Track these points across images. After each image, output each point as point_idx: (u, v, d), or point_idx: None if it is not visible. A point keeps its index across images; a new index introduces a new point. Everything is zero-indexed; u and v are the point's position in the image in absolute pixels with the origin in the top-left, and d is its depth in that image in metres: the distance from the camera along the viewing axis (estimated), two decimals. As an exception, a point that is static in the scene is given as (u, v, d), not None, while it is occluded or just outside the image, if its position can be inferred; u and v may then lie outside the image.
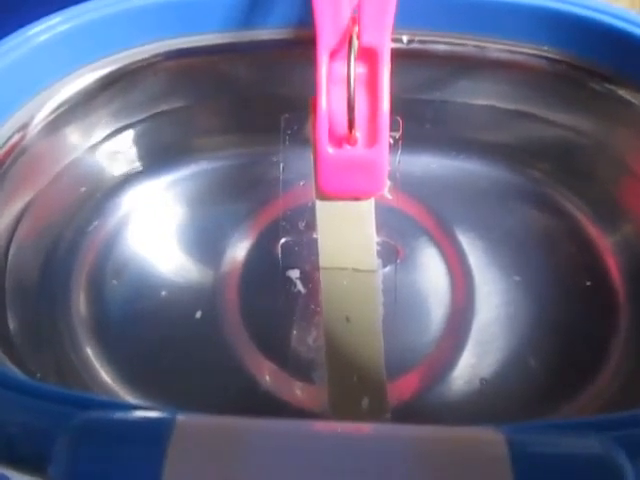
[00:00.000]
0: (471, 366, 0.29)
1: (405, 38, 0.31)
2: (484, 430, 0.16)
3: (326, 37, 0.26)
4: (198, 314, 0.31)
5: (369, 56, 0.26)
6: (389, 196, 0.31)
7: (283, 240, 0.33)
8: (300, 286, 0.31)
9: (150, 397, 0.29)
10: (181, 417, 0.16)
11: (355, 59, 0.25)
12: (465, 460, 0.15)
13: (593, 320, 0.30)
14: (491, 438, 0.16)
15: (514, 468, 0.15)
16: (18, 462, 0.18)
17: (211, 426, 0.17)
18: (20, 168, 0.29)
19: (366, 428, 0.17)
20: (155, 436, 0.16)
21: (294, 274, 0.32)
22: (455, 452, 0.16)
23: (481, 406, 0.28)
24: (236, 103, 0.34)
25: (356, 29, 0.26)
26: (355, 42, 0.25)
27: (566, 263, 0.32)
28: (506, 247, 0.33)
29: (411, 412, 0.28)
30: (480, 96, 0.33)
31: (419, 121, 0.33)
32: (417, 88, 0.33)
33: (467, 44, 0.31)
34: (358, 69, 0.26)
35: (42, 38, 0.28)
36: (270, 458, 0.16)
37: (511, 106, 0.33)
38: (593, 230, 0.33)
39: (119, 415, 0.17)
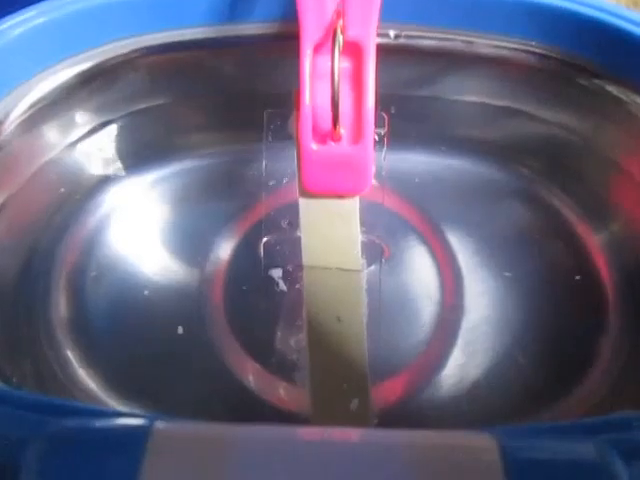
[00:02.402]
0: (460, 366, 0.29)
1: (392, 33, 0.30)
2: (476, 435, 0.16)
3: (310, 30, 0.25)
4: (181, 314, 0.30)
5: (354, 51, 0.26)
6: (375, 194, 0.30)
7: (265, 239, 0.32)
8: (282, 285, 0.31)
9: (132, 399, 0.28)
10: (158, 424, 0.16)
11: (340, 53, 0.25)
12: (457, 467, 0.15)
13: (583, 319, 0.30)
14: (483, 444, 0.15)
15: (507, 475, 0.14)
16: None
17: (190, 434, 0.16)
18: (-5, 166, 0.28)
19: (354, 434, 0.16)
20: (130, 446, 0.15)
21: (277, 273, 0.31)
22: (446, 458, 0.15)
23: (470, 407, 0.28)
24: (219, 99, 0.33)
25: (340, 23, 0.25)
26: (340, 36, 0.25)
27: (555, 261, 0.32)
28: (495, 245, 0.32)
29: (398, 415, 0.28)
30: (468, 92, 0.33)
31: (407, 118, 0.33)
32: (405, 84, 0.33)
33: (455, 39, 0.30)
34: (343, 64, 0.26)
35: (17, 32, 0.27)
36: (253, 467, 0.15)
37: (500, 103, 0.33)
38: (582, 228, 0.32)
39: (94, 423, 0.16)
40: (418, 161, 0.35)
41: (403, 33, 0.30)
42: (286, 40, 0.29)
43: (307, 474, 0.15)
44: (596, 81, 0.30)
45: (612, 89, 0.29)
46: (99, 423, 0.16)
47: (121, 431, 0.16)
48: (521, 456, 0.15)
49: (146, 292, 0.31)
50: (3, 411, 0.17)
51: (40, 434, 0.16)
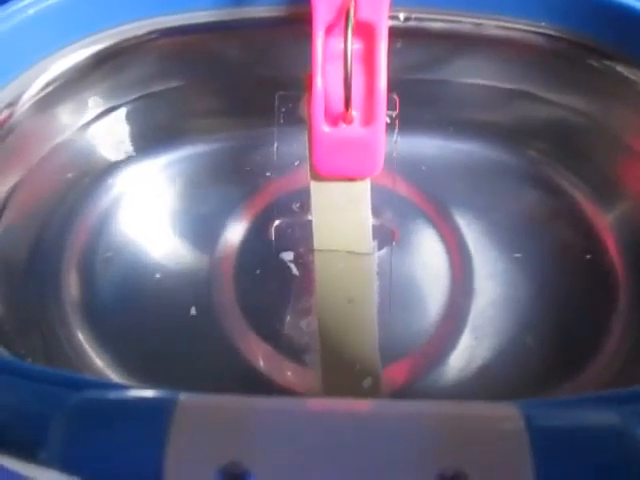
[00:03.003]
0: (469, 348, 0.29)
1: (402, 16, 0.30)
2: (499, 405, 0.16)
3: (322, 12, 0.25)
4: (192, 297, 0.30)
5: (366, 32, 0.26)
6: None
7: (277, 222, 0.32)
8: (294, 268, 0.31)
9: (141, 380, 0.28)
10: (183, 396, 0.16)
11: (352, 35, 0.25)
12: (482, 435, 0.15)
13: (592, 298, 0.30)
14: (507, 413, 0.15)
15: (532, 442, 0.14)
16: (8, 446, 0.17)
17: (213, 405, 0.16)
18: (8, 147, 0.28)
19: (379, 405, 0.16)
20: (156, 416, 0.15)
21: (288, 256, 0.31)
22: (472, 427, 0.15)
23: (480, 389, 0.28)
24: (230, 83, 0.34)
25: (352, 4, 0.25)
26: (352, 17, 0.25)
27: (564, 242, 0.32)
28: (504, 228, 0.32)
29: (408, 396, 0.28)
30: (477, 75, 0.33)
31: (415, 101, 0.32)
32: (413, 67, 0.33)
33: (464, 21, 0.30)
34: (354, 45, 0.25)
35: (32, 11, 0.27)
36: (277, 436, 0.15)
37: (508, 85, 0.33)
38: (591, 208, 0.33)
39: (117, 395, 0.17)
40: (427, 145, 0.35)
41: (413, 15, 0.30)
42: (297, 23, 0.29)
43: (332, 442, 0.15)
44: (607, 62, 0.30)
45: (623, 70, 0.29)
46: (122, 396, 0.16)
47: (146, 403, 0.16)
48: (546, 424, 0.15)
49: (157, 275, 0.31)
50: (25, 385, 0.17)
51: (63, 407, 0.16)
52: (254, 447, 0.15)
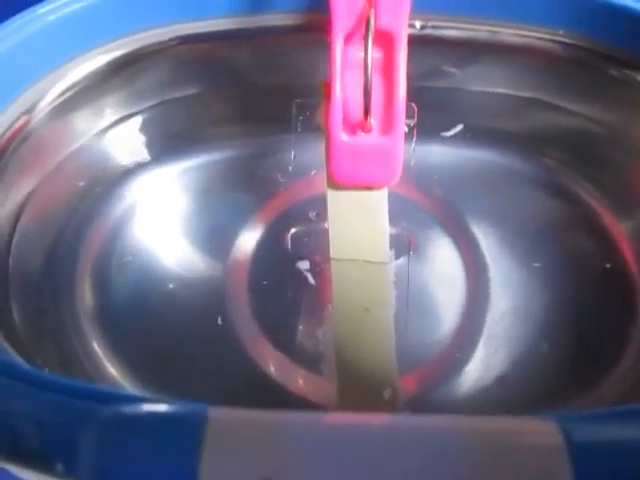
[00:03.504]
0: (486, 358, 0.29)
1: (418, 24, 0.30)
2: (535, 419, 0.16)
3: (341, 20, 0.25)
4: (207, 306, 0.30)
5: (385, 40, 0.26)
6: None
7: (293, 230, 0.32)
8: (310, 277, 0.31)
9: (156, 389, 0.28)
10: (213, 411, 0.16)
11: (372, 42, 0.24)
12: (519, 452, 0.15)
13: (611, 307, 0.30)
14: (544, 428, 0.15)
15: (572, 458, 0.14)
16: (26, 458, 0.17)
17: (245, 420, 0.16)
18: (25, 153, 0.28)
19: (411, 421, 0.16)
20: (189, 431, 0.15)
21: (304, 265, 0.31)
22: (508, 444, 0.15)
23: (497, 398, 0.28)
24: (246, 91, 0.33)
25: (372, 12, 0.25)
26: (372, 24, 0.25)
27: (582, 251, 0.32)
28: (520, 236, 0.32)
29: (425, 406, 0.28)
30: (494, 83, 0.33)
31: (432, 109, 0.32)
32: (430, 75, 0.33)
33: (480, 29, 0.30)
34: (373, 53, 0.25)
35: (51, 17, 0.27)
36: (309, 453, 0.15)
37: (526, 93, 0.33)
38: (608, 217, 0.32)
39: (146, 410, 0.16)
40: (442, 153, 0.34)
41: (429, 23, 0.30)
42: (314, 31, 0.29)
43: (367, 459, 0.15)
44: (625, 70, 0.30)
45: (643, 79, 0.29)
46: (152, 410, 0.16)
47: (177, 417, 0.16)
48: (585, 439, 0.15)
49: (171, 284, 0.31)
50: (55, 399, 0.17)
51: (94, 421, 0.16)
52: (286, 463, 0.15)
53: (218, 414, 0.16)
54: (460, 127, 0.34)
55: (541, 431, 0.15)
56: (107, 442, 0.15)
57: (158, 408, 0.16)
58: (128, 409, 0.16)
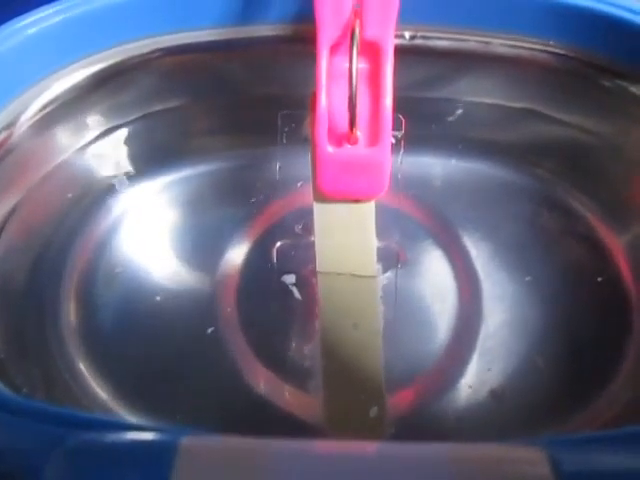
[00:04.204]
0: (479, 374, 0.28)
1: (407, 34, 0.30)
2: (523, 447, 0.15)
3: (327, 30, 0.25)
4: (193, 320, 0.29)
5: (371, 51, 0.25)
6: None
7: (279, 244, 0.32)
8: (296, 292, 0.30)
9: (144, 408, 0.27)
10: (184, 439, 0.15)
11: (357, 53, 0.24)
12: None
13: (606, 321, 0.30)
14: (532, 456, 0.14)
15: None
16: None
17: (217, 448, 0.15)
18: (7, 167, 0.28)
19: (395, 448, 0.16)
20: (158, 461, 0.15)
21: (290, 279, 0.31)
22: (495, 473, 0.14)
23: (490, 415, 0.27)
24: (232, 102, 0.33)
25: (358, 22, 0.25)
26: (357, 35, 0.24)
27: (576, 264, 0.31)
28: (513, 249, 0.32)
29: (415, 424, 0.27)
30: (485, 94, 0.32)
31: (422, 120, 0.32)
32: (420, 86, 0.32)
33: (471, 39, 0.30)
34: (360, 64, 0.25)
35: (31, 31, 0.27)
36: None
37: (517, 104, 0.33)
38: (603, 230, 0.32)
39: (116, 437, 0.16)
40: (433, 164, 0.34)
41: (419, 34, 0.30)
42: (300, 42, 0.29)
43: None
44: (618, 81, 0.29)
45: (635, 89, 0.29)
46: (121, 437, 0.16)
47: (147, 446, 0.15)
48: (574, 469, 0.14)
49: (158, 298, 0.30)
50: (21, 424, 0.17)
51: (60, 448, 0.15)
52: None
53: (190, 442, 0.15)
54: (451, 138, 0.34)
55: (529, 460, 0.15)
56: (71, 471, 0.15)
57: (128, 436, 0.16)
58: (97, 436, 0.16)
